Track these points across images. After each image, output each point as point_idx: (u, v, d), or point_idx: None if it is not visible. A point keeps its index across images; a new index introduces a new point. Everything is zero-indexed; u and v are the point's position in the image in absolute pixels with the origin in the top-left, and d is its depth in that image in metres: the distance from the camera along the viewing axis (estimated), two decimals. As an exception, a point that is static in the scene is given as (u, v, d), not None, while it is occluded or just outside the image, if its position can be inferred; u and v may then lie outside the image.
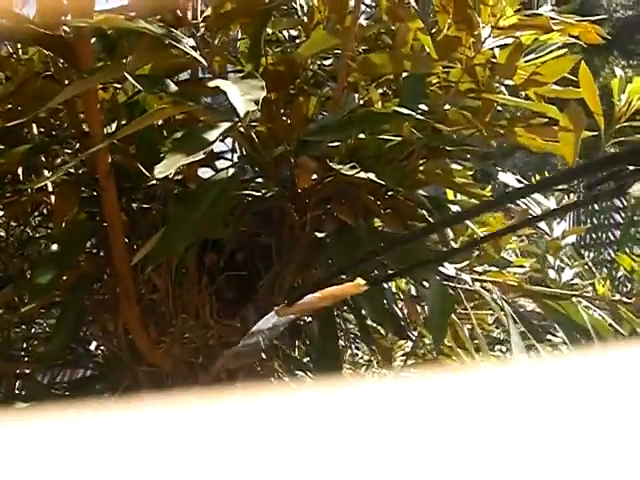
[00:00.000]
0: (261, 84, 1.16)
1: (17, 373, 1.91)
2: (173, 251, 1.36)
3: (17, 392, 1.93)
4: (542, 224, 3.02)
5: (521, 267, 2.28)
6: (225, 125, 1.19)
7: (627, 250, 3.91)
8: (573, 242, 3.39)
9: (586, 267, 3.64)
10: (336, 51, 1.68)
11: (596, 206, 4.96)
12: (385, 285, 1.44)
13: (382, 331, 2.00)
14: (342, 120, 1.38)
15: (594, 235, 5.14)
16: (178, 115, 1.56)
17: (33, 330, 2.15)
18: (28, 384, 1.91)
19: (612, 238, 5.12)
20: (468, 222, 1.71)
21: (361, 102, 1.65)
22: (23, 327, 2.09)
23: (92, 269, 1.70)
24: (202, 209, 1.25)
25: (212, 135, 1.16)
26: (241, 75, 1.25)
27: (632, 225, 3.94)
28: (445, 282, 1.46)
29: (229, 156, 1.72)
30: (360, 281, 1.09)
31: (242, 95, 1.12)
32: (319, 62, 1.75)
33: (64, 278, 1.61)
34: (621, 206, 6.55)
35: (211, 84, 1.20)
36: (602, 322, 1.39)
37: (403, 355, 2.50)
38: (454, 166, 1.73)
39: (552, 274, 2.91)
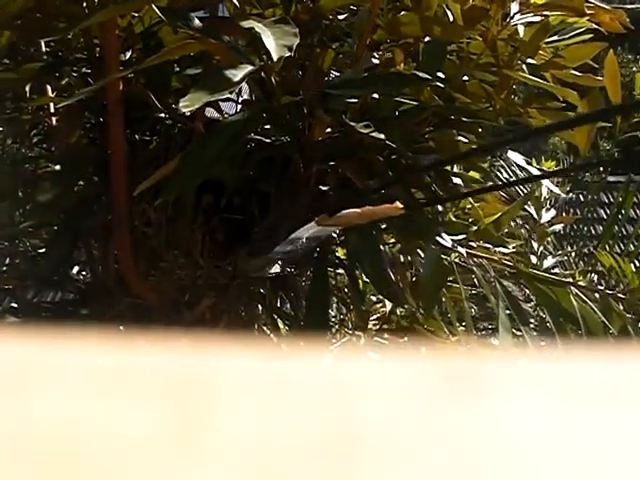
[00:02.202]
0: (294, 30, 1.14)
1: (7, 289, 1.91)
2: (185, 187, 1.35)
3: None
4: (532, 209, 3.03)
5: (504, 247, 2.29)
6: (248, 67, 1.17)
7: (607, 247, 3.90)
8: (554, 232, 3.40)
9: (565, 258, 3.66)
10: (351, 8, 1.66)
11: (581, 198, 4.98)
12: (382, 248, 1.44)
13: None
14: (367, 77, 1.37)
15: (575, 228, 5.14)
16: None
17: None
18: (19, 300, 1.91)
19: (593, 232, 5.13)
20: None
21: (376, 62, 1.64)
22: (6, 244, 2.09)
23: (89, 194, 1.69)
24: (217, 148, 1.24)
25: (236, 76, 1.14)
26: (273, 19, 1.24)
27: (616, 222, 3.92)
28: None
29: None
30: (398, 204, 1.08)
31: (275, 40, 1.11)
32: (339, 17, 1.73)
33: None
34: (606, 202, 6.58)
35: (245, 24, 1.18)
36: (592, 313, 1.39)
37: (376, 320, 2.50)
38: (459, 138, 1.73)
39: (534, 260, 2.93)
